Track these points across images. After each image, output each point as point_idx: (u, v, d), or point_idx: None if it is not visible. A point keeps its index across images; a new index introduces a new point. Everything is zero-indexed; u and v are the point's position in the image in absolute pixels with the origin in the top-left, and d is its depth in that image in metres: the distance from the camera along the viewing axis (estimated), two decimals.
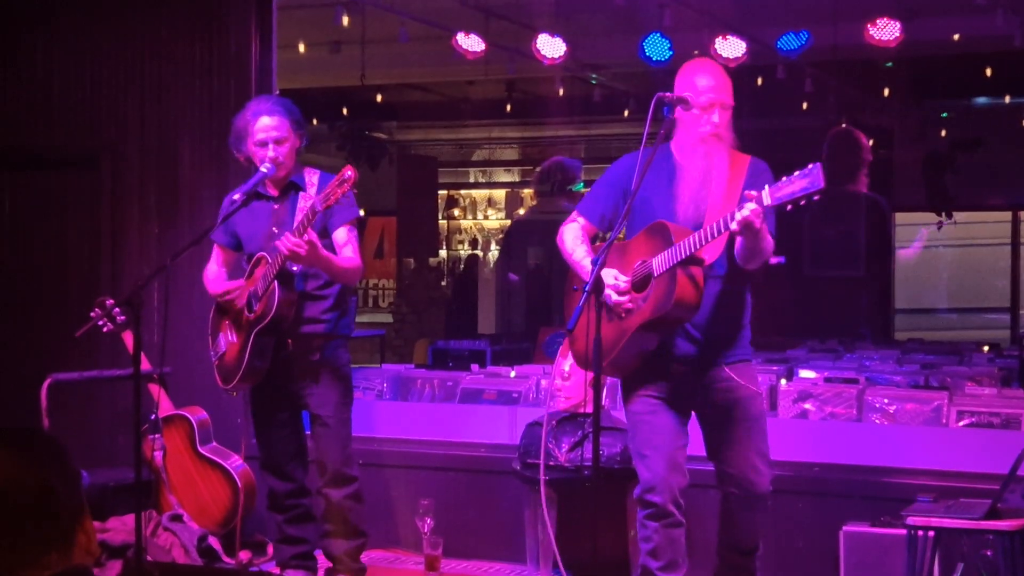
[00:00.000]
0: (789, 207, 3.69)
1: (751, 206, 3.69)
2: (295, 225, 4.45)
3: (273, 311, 4.55)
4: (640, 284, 4.00)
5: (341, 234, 4.67)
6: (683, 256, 3.86)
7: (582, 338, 4.02)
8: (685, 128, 4.10)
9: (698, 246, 3.84)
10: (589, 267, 4.07)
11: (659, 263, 3.92)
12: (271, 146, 4.66)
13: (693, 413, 4.22)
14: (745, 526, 4.22)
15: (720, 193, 4.00)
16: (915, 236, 12.67)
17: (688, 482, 4.15)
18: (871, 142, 8.48)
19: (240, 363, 4.67)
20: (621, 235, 4.23)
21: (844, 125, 8.45)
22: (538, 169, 8.57)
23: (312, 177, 4.76)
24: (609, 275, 3.99)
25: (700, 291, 3.94)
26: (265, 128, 4.66)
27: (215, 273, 4.91)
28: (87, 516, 1.91)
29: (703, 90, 4.06)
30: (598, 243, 4.31)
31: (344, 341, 4.85)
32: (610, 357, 4.03)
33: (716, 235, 3.82)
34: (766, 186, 3.71)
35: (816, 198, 3.63)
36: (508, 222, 13.18)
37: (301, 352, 4.71)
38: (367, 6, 7.73)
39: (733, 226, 3.74)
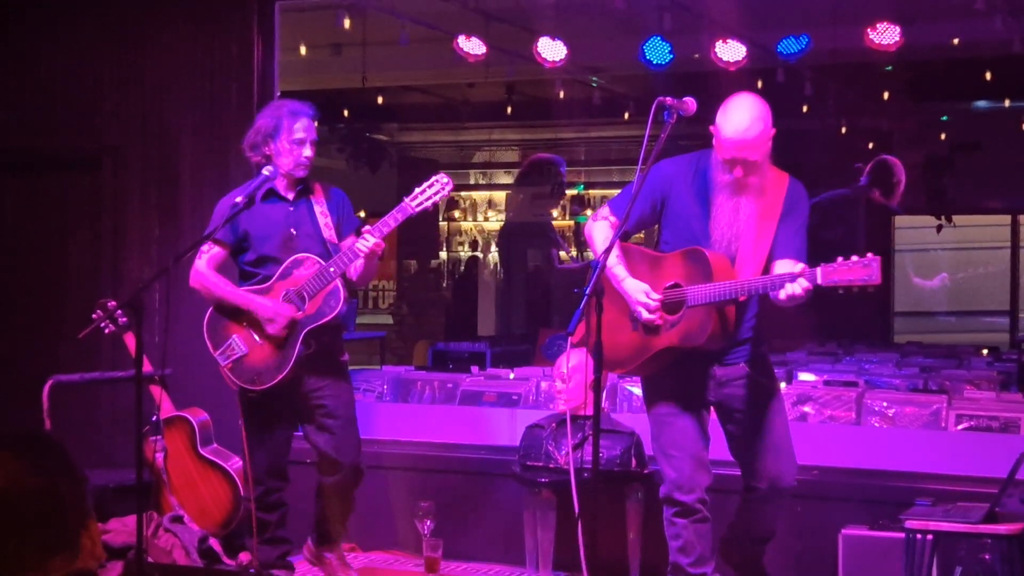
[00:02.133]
0: (841, 291, 3.77)
1: (803, 283, 3.78)
2: (378, 227, 4.57)
3: (337, 309, 4.68)
4: (671, 307, 4.08)
5: (349, 242, 4.80)
6: (723, 299, 3.95)
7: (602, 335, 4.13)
8: (714, 162, 4.12)
9: (738, 295, 3.95)
10: (622, 276, 4.16)
11: (695, 295, 4.00)
12: (307, 146, 4.79)
13: (712, 409, 4.33)
14: (765, 517, 4.32)
15: (751, 235, 4.05)
16: (923, 242, 12.68)
17: (712, 479, 4.25)
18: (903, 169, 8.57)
19: (285, 362, 4.70)
20: (640, 236, 4.29)
21: (883, 156, 8.52)
22: (523, 170, 8.50)
23: (315, 183, 4.90)
24: (640, 291, 4.10)
25: (732, 325, 4.07)
26: (307, 128, 4.80)
27: (216, 276, 4.87)
28: (92, 520, 1.92)
29: (724, 145, 4.02)
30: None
31: None
32: (633, 366, 4.20)
33: (758, 293, 3.96)
34: (820, 268, 3.77)
35: (870, 290, 3.72)
36: None
37: (327, 351, 4.79)
38: (368, 9, 7.75)
39: (781, 296, 3.84)
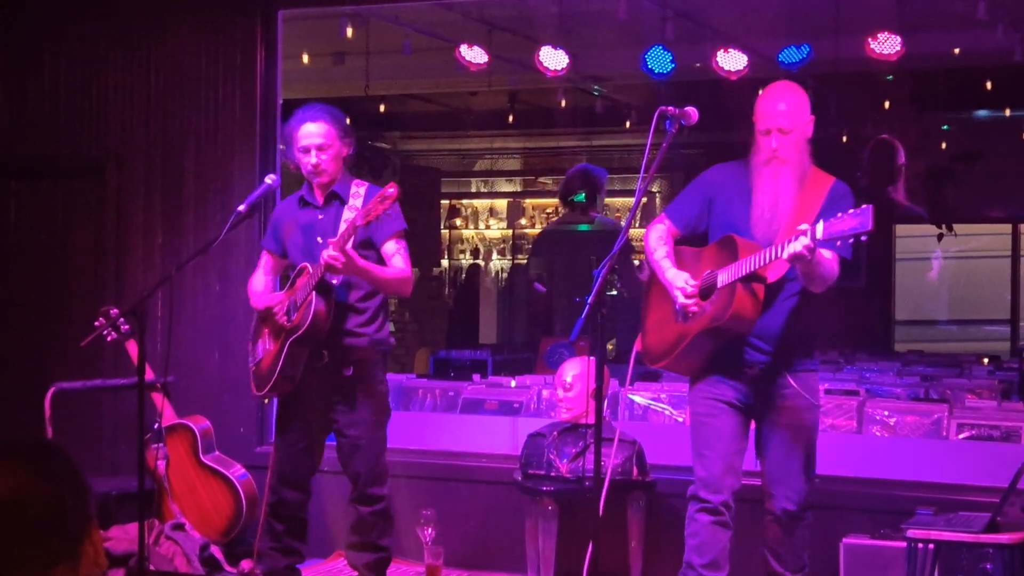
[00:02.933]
0: (839, 243, 3.83)
1: (804, 240, 3.83)
2: (336, 237, 4.47)
3: (309, 321, 4.56)
4: (706, 292, 4.18)
5: (390, 246, 4.68)
6: (744, 273, 4.03)
7: (652, 333, 4.35)
8: (754, 149, 4.26)
9: (757, 266, 4.02)
10: (667, 267, 4.27)
11: (723, 276, 4.10)
12: (313, 152, 4.69)
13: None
14: (783, 537, 4.28)
15: (789, 213, 4.14)
16: (925, 251, 12.66)
17: (741, 485, 4.30)
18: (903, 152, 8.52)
19: (273, 371, 4.68)
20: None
21: (880, 136, 8.49)
22: (568, 177, 8.47)
23: (359, 188, 4.76)
24: (679, 278, 4.20)
25: (758, 306, 4.11)
26: (309, 135, 4.69)
27: (262, 283, 4.91)
28: (95, 527, 1.92)
29: (760, 116, 4.22)
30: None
31: (382, 356, 4.82)
32: (672, 355, 4.27)
33: (770, 260, 4.00)
34: (820, 221, 3.82)
35: (864, 238, 3.75)
36: (510, 232, 13.20)
37: (335, 365, 4.71)
38: (371, 18, 7.76)
39: (784, 256, 3.90)
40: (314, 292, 4.56)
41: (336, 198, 4.76)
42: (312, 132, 4.70)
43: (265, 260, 4.95)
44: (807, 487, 4.26)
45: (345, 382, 4.72)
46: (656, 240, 4.37)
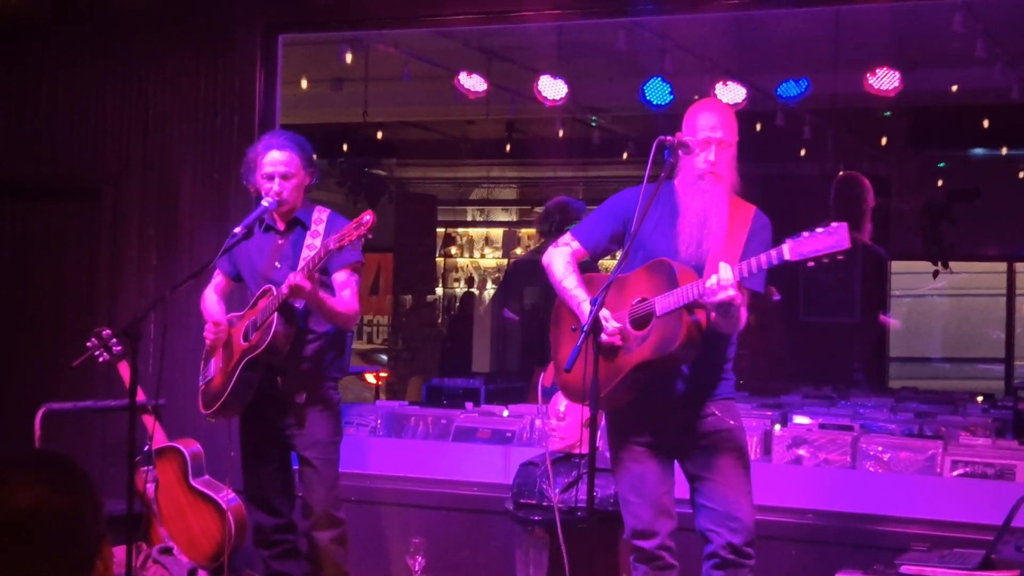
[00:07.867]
0: (811, 263, 3.60)
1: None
2: (305, 262, 4.43)
3: (267, 342, 4.51)
4: (639, 322, 3.92)
5: (341, 276, 4.65)
6: (688, 300, 3.79)
7: (577, 372, 3.88)
8: (686, 167, 4.05)
9: (704, 296, 3.76)
10: (581, 299, 4.04)
11: (663, 303, 3.84)
12: (277, 180, 4.67)
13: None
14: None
15: (721, 233, 3.94)
16: (912, 286, 12.67)
17: (676, 524, 4.10)
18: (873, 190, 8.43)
19: (223, 391, 4.65)
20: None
21: (848, 171, 8.41)
22: (541, 209, 8.56)
23: (321, 215, 4.75)
24: (601, 312, 3.89)
25: (703, 333, 3.87)
26: (273, 162, 4.67)
27: (213, 302, 4.93)
28: (108, 545, 1.92)
29: (700, 128, 4.04)
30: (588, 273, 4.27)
31: (335, 383, 4.81)
32: (606, 391, 3.93)
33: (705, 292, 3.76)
34: (787, 241, 3.61)
35: (840, 257, 3.56)
36: (505, 261, 13.20)
37: (289, 390, 4.69)
38: (371, 44, 7.78)
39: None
40: (276, 314, 4.51)
41: (298, 223, 4.75)
42: (277, 160, 4.67)
43: (217, 280, 4.94)
44: (753, 518, 4.03)
45: (298, 408, 4.69)
46: (564, 267, 4.13)
